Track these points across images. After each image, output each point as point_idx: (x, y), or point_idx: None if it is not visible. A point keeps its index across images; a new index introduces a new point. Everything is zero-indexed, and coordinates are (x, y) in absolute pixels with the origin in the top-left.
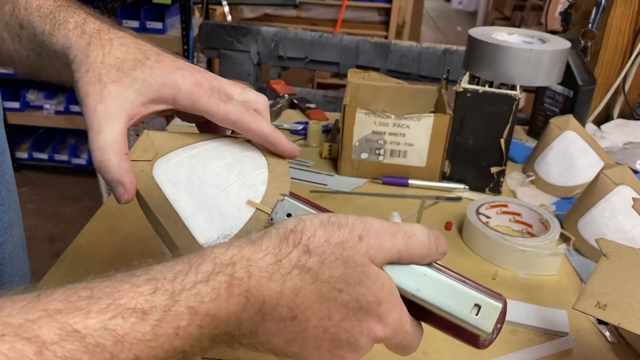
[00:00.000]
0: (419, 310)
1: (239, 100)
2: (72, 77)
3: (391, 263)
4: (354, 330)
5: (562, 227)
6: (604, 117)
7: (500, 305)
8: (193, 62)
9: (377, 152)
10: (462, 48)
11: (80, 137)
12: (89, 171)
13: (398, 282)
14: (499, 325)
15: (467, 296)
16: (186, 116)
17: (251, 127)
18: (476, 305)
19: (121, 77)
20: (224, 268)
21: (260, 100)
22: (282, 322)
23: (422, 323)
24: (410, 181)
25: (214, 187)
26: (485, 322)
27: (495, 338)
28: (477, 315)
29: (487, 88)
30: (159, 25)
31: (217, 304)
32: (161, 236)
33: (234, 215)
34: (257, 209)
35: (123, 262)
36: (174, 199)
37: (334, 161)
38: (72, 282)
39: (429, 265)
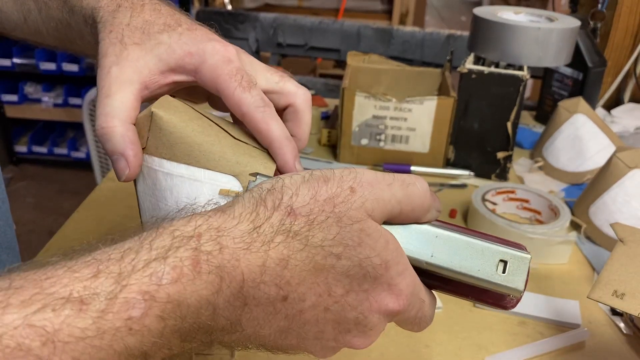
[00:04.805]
0: (430, 278)
1: (266, 91)
2: (97, 40)
3: (391, 224)
4: (361, 305)
5: (572, 213)
6: (614, 102)
7: (529, 255)
8: None
9: (378, 137)
10: (467, 33)
11: (79, 130)
12: (89, 165)
13: (406, 248)
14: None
15: (489, 253)
16: (216, 103)
17: (259, 125)
18: (501, 261)
19: (145, 40)
20: (186, 241)
21: (300, 94)
22: (270, 306)
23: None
24: (412, 168)
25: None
26: (514, 279)
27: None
28: (504, 272)
29: (492, 69)
30: None
31: (181, 286)
32: None
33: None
34: (222, 193)
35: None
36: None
37: (333, 148)
38: None
39: (430, 224)
